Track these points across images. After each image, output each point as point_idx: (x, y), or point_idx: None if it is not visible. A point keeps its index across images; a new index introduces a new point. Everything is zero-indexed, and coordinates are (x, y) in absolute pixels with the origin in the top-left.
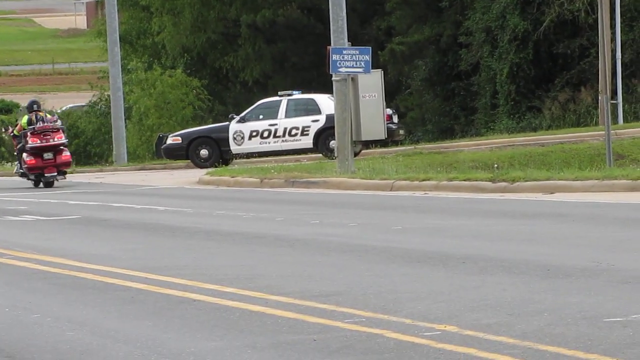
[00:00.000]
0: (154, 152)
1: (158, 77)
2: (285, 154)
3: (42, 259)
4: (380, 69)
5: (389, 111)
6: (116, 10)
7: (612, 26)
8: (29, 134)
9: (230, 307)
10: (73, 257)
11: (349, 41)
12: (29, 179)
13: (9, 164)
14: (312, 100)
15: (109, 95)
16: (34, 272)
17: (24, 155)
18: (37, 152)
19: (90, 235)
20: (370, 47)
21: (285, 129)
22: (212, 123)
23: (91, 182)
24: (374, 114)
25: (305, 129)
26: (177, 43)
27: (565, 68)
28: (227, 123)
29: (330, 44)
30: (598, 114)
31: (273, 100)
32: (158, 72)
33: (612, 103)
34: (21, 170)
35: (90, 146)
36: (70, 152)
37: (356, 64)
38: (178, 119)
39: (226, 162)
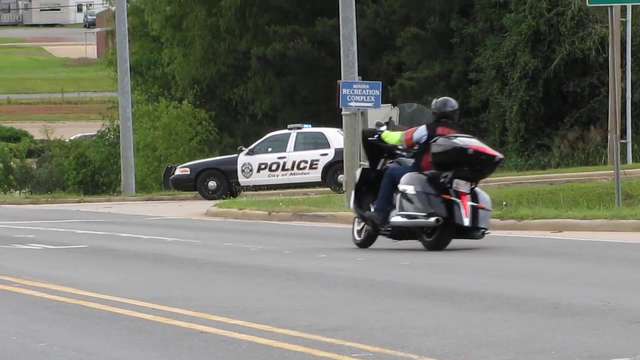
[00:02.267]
0: (162, 183)
1: (164, 109)
2: (294, 187)
3: (49, 287)
4: (390, 104)
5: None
6: (127, 40)
7: (623, 65)
8: None
9: (238, 339)
10: (81, 286)
11: (359, 75)
12: None
13: (18, 192)
14: (321, 134)
15: (118, 125)
16: (41, 300)
17: None
18: None
19: (97, 265)
20: (380, 82)
21: (293, 162)
22: (221, 155)
23: (99, 211)
24: None
25: (314, 162)
26: (187, 74)
27: (575, 106)
28: (235, 155)
29: (340, 78)
30: (607, 153)
31: (282, 134)
32: (164, 104)
33: (622, 142)
34: None
35: (98, 176)
36: (79, 181)
37: (366, 99)
38: (186, 150)
39: (234, 194)
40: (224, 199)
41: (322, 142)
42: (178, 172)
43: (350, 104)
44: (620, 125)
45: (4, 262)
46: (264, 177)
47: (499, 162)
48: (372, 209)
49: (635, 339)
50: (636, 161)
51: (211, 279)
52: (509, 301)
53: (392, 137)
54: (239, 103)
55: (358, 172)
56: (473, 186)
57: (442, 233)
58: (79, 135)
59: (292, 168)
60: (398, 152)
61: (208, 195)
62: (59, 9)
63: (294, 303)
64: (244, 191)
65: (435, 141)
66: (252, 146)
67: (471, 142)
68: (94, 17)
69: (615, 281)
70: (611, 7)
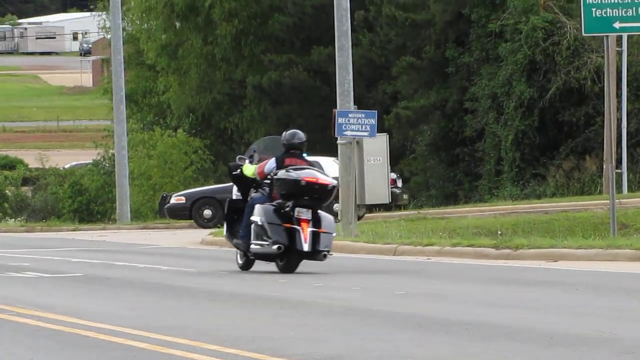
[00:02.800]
0: (157, 211)
1: (159, 137)
2: None
3: (44, 316)
4: (385, 133)
5: (393, 175)
6: (123, 68)
7: (618, 95)
8: None
9: None
10: (75, 314)
11: (354, 104)
12: None
13: (12, 220)
14: (317, 162)
15: (113, 154)
16: (36, 329)
17: None
18: None
19: (92, 293)
20: (376, 111)
21: None
22: (216, 184)
23: (94, 239)
24: (379, 177)
25: None
26: (183, 103)
27: (570, 136)
28: (231, 184)
29: (336, 107)
30: (603, 183)
31: None
32: (158, 132)
33: (617, 172)
34: None
35: (93, 204)
36: (74, 210)
37: (362, 128)
38: (180, 178)
39: None
40: (219, 227)
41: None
42: (173, 200)
43: (345, 132)
44: (616, 155)
45: None
46: None
47: (332, 189)
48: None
49: None
50: (632, 191)
51: (206, 308)
52: (505, 331)
53: (249, 170)
54: (235, 132)
55: (226, 204)
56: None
57: (288, 258)
58: (74, 163)
59: None
60: (265, 182)
61: (203, 223)
62: (54, 37)
63: (290, 332)
64: None
65: (276, 174)
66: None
67: (304, 174)
68: (90, 46)
69: (610, 311)
70: (607, 36)
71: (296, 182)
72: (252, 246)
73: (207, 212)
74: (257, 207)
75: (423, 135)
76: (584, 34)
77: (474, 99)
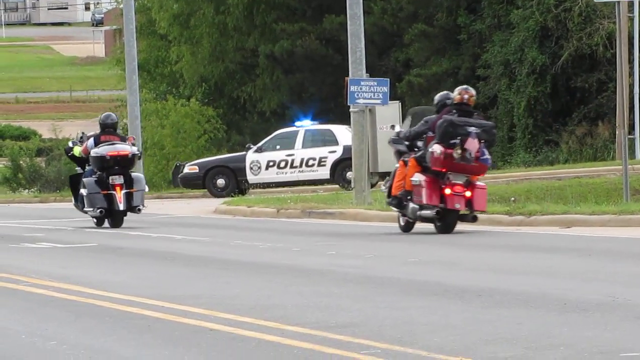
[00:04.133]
0: (170, 181)
1: (172, 107)
2: (302, 185)
3: (58, 286)
4: (397, 101)
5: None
6: (135, 38)
7: (630, 61)
8: None
9: (247, 336)
10: (89, 284)
11: (367, 72)
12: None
13: (26, 191)
14: (330, 131)
15: (126, 124)
16: (50, 299)
17: None
18: None
19: (106, 263)
20: (388, 79)
21: (302, 159)
22: (229, 153)
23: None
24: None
25: (322, 159)
26: (195, 72)
27: (582, 102)
28: (244, 153)
29: (348, 75)
30: (615, 149)
31: (290, 131)
32: (172, 102)
33: (630, 138)
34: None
35: None
36: None
37: (374, 96)
38: (194, 148)
39: (243, 192)
40: (232, 196)
41: (330, 140)
42: (186, 170)
43: (358, 101)
44: (629, 120)
45: (13, 261)
46: (272, 175)
47: (132, 157)
48: None
49: None
50: None
51: (220, 277)
52: (518, 297)
53: (76, 150)
54: (247, 101)
55: (69, 178)
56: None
57: (113, 217)
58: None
59: (301, 165)
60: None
61: (217, 193)
62: (66, 8)
63: (303, 300)
64: (252, 189)
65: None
66: (260, 144)
67: (109, 149)
68: (102, 16)
69: (623, 277)
70: (618, 2)
71: (103, 157)
72: (87, 212)
73: (221, 181)
74: (83, 180)
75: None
76: (595, 0)
77: (486, 66)
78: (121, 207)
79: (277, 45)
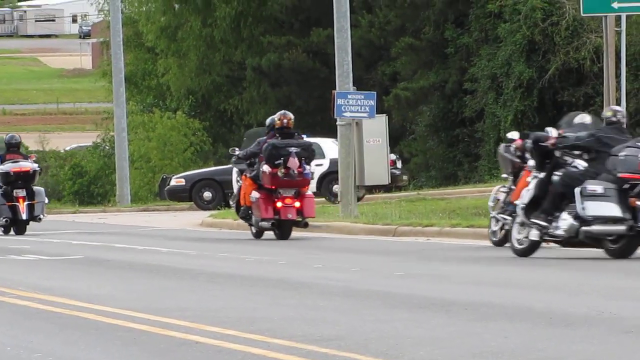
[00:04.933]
0: (157, 194)
1: (159, 120)
2: None
3: (44, 298)
4: (384, 114)
5: (393, 156)
6: (122, 51)
7: (617, 75)
8: None
9: (232, 349)
10: (75, 297)
11: (354, 86)
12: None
13: None
14: (316, 144)
15: (113, 136)
16: (36, 311)
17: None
18: None
19: (92, 276)
20: (375, 92)
21: None
22: (215, 165)
23: (94, 222)
24: (378, 159)
25: None
26: (182, 85)
27: None
28: (230, 165)
29: (335, 88)
30: None
31: None
32: (158, 114)
33: None
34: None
35: (93, 186)
36: (74, 192)
37: (361, 109)
38: (180, 160)
39: (229, 205)
40: (219, 209)
41: (317, 153)
42: (173, 182)
43: (345, 114)
44: None
45: None
46: None
47: (34, 173)
48: None
49: (630, 349)
50: None
51: (206, 290)
52: (504, 311)
53: None
54: (234, 113)
55: None
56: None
57: (16, 226)
58: (74, 145)
59: None
60: None
61: (203, 205)
62: (53, 20)
63: (289, 313)
64: None
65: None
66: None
67: (12, 166)
68: (89, 28)
69: (609, 290)
70: (606, 16)
71: (7, 173)
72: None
73: (207, 194)
74: None
75: (422, 116)
76: (582, 14)
77: (473, 79)
78: (24, 216)
79: (264, 58)
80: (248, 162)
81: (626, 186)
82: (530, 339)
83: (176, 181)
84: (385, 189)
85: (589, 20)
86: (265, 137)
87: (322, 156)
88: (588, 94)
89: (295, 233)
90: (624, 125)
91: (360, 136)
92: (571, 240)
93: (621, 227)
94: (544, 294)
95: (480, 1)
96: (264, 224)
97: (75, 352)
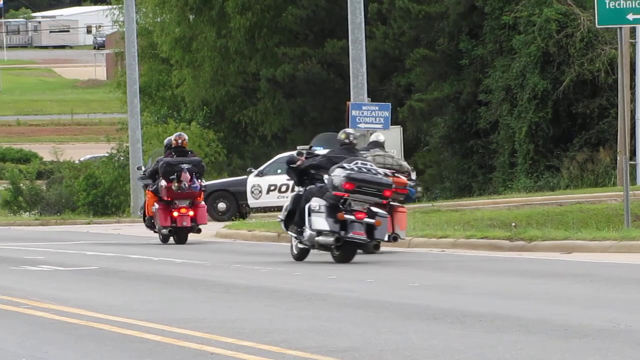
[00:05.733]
0: None
1: (173, 130)
2: None
3: (59, 309)
4: (399, 126)
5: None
6: (136, 62)
7: (632, 87)
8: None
9: None
10: (90, 307)
11: (368, 97)
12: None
13: (27, 213)
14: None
15: (127, 147)
16: (51, 322)
17: None
18: None
19: (107, 286)
20: (389, 104)
21: None
22: (230, 176)
23: (108, 233)
24: None
25: None
26: (197, 96)
27: (584, 128)
28: (245, 177)
29: (349, 100)
30: (616, 175)
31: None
32: (173, 125)
33: (631, 164)
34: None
35: (107, 197)
36: (88, 202)
37: (375, 120)
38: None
39: (244, 216)
40: (233, 220)
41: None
42: None
43: (359, 125)
44: (630, 146)
45: (14, 284)
46: (273, 199)
47: None
48: None
49: None
50: None
51: (221, 300)
52: (519, 322)
53: None
54: (249, 124)
55: None
56: None
57: None
58: (88, 156)
59: None
60: None
61: (217, 216)
62: (68, 31)
63: (304, 324)
64: (253, 213)
65: None
66: (261, 168)
67: None
68: (104, 39)
69: (625, 302)
70: (620, 28)
71: None
72: None
73: (222, 205)
74: None
75: (437, 127)
76: (597, 26)
77: (488, 91)
78: None
79: (279, 70)
80: (151, 178)
81: (341, 201)
82: (544, 351)
83: None
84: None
85: (603, 32)
86: (163, 157)
87: None
88: (603, 105)
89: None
90: (356, 146)
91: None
92: (314, 248)
93: (330, 239)
94: (558, 306)
95: (494, 13)
96: (164, 231)
97: None
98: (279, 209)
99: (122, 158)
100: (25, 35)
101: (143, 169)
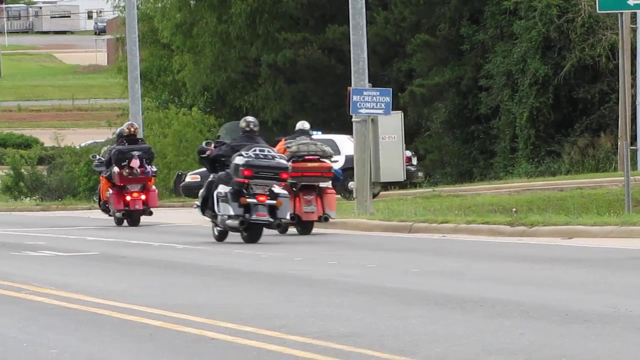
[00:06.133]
0: (172, 190)
1: (174, 116)
2: None
3: (60, 294)
4: (400, 111)
5: (408, 153)
6: (137, 47)
7: (633, 72)
8: None
9: (248, 346)
10: (91, 293)
11: (369, 82)
12: None
13: (28, 199)
14: (332, 140)
15: None
16: (51, 307)
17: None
18: None
19: (108, 272)
20: (391, 89)
21: None
22: None
23: (109, 218)
24: (394, 155)
25: None
26: (198, 81)
27: (585, 113)
28: None
29: (350, 85)
30: (617, 160)
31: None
32: (174, 111)
33: (632, 149)
34: None
35: None
36: (89, 188)
37: (376, 105)
38: (195, 157)
39: None
40: None
41: (332, 149)
42: (188, 179)
43: (360, 110)
44: (631, 131)
45: (14, 269)
46: None
47: None
48: None
49: None
50: None
51: (221, 286)
52: (520, 308)
53: None
54: (249, 110)
55: None
56: None
57: None
58: (89, 142)
59: None
60: None
61: None
62: (69, 16)
63: (305, 310)
64: None
65: None
66: None
67: None
68: (104, 24)
69: (625, 288)
70: (621, 13)
71: None
72: None
73: None
74: None
75: (438, 112)
76: (598, 11)
77: (489, 76)
78: None
79: (280, 55)
80: (107, 165)
81: (244, 187)
82: (545, 336)
83: (191, 177)
84: (401, 185)
85: (604, 17)
86: (115, 145)
87: (338, 153)
88: (603, 90)
89: (315, 229)
90: (256, 133)
91: (376, 133)
92: (227, 230)
93: (235, 222)
94: (559, 291)
95: None
96: (118, 214)
97: (90, 348)
98: None
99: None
100: (26, 20)
101: (98, 157)
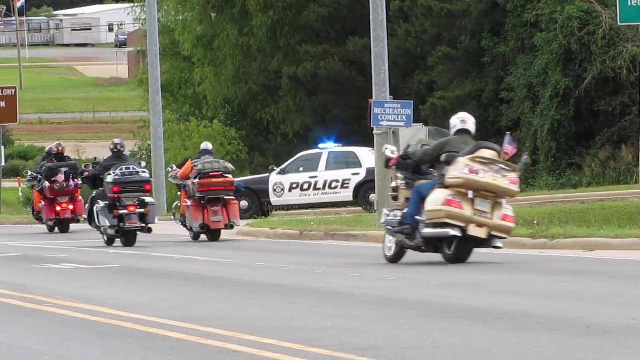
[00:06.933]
0: None
1: (195, 128)
2: (325, 207)
3: (81, 307)
4: (421, 123)
5: None
6: (158, 60)
7: None
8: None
9: (270, 358)
10: (112, 305)
11: (390, 95)
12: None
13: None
14: (353, 153)
15: (149, 145)
16: (73, 320)
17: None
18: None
19: (129, 284)
20: (412, 101)
21: (325, 181)
22: (252, 175)
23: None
24: None
25: (346, 182)
26: (219, 94)
27: (606, 125)
28: (267, 175)
29: (371, 97)
30: (639, 172)
31: (313, 153)
32: (195, 123)
33: None
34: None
35: None
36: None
37: (398, 118)
38: None
39: (266, 214)
40: (255, 218)
41: (353, 162)
42: None
43: (381, 123)
44: None
45: (36, 282)
46: (295, 197)
47: None
48: None
49: None
50: None
51: (243, 298)
52: (541, 320)
53: None
54: (271, 122)
55: None
56: None
57: None
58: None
59: (324, 187)
60: None
61: (240, 214)
62: (90, 29)
63: (326, 322)
64: (275, 211)
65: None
66: (283, 166)
67: None
68: (125, 37)
69: None
70: None
71: None
72: None
73: (244, 203)
74: None
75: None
76: (619, 23)
77: (510, 88)
78: None
79: (301, 67)
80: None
81: (117, 200)
82: (567, 349)
83: None
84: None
85: (625, 30)
86: (45, 162)
87: (359, 165)
88: (624, 103)
89: (334, 242)
90: (123, 153)
91: (397, 145)
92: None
93: (112, 231)
94: (581, 304)
95: (516, 10)
96: (50, 222)
97: None
98: (301, 207)
99: (144, 156)
100: (47, 33)
101: (30, 172)
